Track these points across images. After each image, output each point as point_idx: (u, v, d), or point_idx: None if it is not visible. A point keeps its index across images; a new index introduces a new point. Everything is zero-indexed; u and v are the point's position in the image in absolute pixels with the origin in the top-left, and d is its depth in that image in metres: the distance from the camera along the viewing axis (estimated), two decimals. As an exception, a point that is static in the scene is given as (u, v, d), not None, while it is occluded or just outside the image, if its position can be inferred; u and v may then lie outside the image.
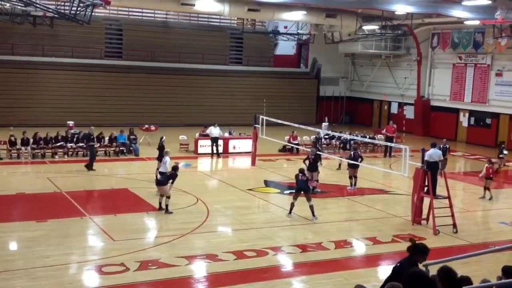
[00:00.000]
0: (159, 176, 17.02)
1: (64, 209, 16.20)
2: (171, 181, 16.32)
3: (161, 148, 19.77)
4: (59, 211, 15.96)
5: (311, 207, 15.84)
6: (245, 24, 39.13)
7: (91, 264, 11.91)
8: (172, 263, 12.02)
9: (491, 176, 19.25)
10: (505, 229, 16.17)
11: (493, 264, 11.20)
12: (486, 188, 19.27)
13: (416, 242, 7.16)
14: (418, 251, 6.95)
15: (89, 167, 21.68)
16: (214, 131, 26.04)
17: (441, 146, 22.53)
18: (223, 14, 31.89)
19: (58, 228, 14.28)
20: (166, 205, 16.02)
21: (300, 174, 15.97)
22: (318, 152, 20.44)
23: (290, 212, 16.07)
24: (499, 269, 6.88)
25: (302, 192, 15.86)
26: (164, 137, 20.91)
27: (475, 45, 32.66)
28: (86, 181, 20.07)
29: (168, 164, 17.04)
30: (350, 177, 20.21)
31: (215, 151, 26.02)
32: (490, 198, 19.24)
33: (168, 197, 16.05)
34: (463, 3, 25.09)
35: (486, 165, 19.59)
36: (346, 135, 25.96)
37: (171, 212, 15.95)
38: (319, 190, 19.41)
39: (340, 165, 23.48)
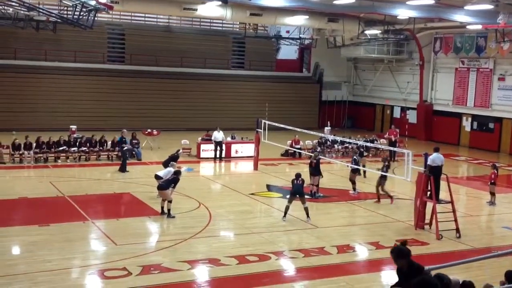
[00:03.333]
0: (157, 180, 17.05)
1: (66, 214, 16.19)
2: (172, 185, 16.32)
3: (173, 158, 19.58)
4: (62, 216, 15.96)
5: (306, 209, 16.08)
6: (247, 28, 39.17)
7: (93, 269, 11.89)
8: (174, 268, 12.00)
9: (493, 181, 19.20)
10: (508, 233, 16.10)
11: (496, 269, 11.15)
12: (492, 193, 19.24)
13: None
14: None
15: (122, 169, 22.41)
16: (218, 135, 26.06)
17: None
18: (225, 18, 31.93)
19: (60, 233, 14.27)
20: (168, 210, 16.00)
21: (296, 179, 16.16)
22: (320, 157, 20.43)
23: (284, 215, 16.18)
24: (502, 274, 6.86)
25: (297, 196, 16.03)
26: (181, 151, 22.04)
27: (477, 50, 32.63)
28: (89, 186, 20.07)
29: (169, 175, 16.82)
30: (352, 182, 20.17)
31: (218, 156, 26.03)
32: (491, 203, 19.21)
33: (170, 202, 16.03)
34: (465, 7, 25.06)
35: (492, 170, 19.54)
36: (361, 142, 25.57)
37: (173, 217, 15.92)
38: (321, 194, 19.38)
39: (364, 172, 22.68)
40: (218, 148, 26.02)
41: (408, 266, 6.80)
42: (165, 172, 17.16)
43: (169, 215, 15.95)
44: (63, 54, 34.26)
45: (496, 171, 19.41)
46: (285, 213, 16.19)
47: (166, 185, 16.20)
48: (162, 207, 16.20)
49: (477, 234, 15.87)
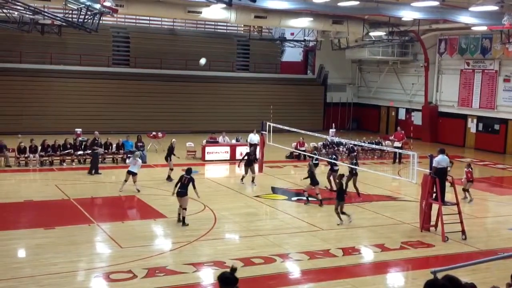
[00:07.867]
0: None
1: (72, 216, 16.22)
2: (192, 186, 15.67)
3: (170, 150, 21.36)
4: (67, 218, 15.99)
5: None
6: (252, 31, 39.21)
7: (99, 272, 11.90)
8: (179, 270, 12.00)
9: (471, 179, 19.56)
10: (514, 235, 16.05)
11: (502, 271, 11.10)
12: (465, 190, 19.50)
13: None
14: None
15: (91, 171, 22.38)
16: (254, 138, 26.29)
17: None
18: (229, 21, 31.97)
19: (66, 235, 14.30)
20: (183, 217, 15.50)
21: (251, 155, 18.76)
22: (315, 162, 20.50)
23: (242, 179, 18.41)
24: (508, 276, 6.82)
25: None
26: (174, 140, 22.33)
27: (482, 51, 32.54)
28: (94, 188, 20.10)
29: (138, 165, 18.89)
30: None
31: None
32: (470, 201, 19.38)
33: (185, 209, 15.54)
34: (470, 9, 25.02)
35: (465, 169, 19.87)
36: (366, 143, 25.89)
37: (187, 224, 15.43)
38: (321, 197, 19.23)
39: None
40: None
41: None
42: (135, 167, 18.86)
43: (184, 223, 15.48)
44: (68, 57, 34.38)
45: (471, 169, 19.86)
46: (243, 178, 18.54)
47: (185, 190, 15.62)
48: (179, 214, 15.70)
49: (483, 236, 15.81)
